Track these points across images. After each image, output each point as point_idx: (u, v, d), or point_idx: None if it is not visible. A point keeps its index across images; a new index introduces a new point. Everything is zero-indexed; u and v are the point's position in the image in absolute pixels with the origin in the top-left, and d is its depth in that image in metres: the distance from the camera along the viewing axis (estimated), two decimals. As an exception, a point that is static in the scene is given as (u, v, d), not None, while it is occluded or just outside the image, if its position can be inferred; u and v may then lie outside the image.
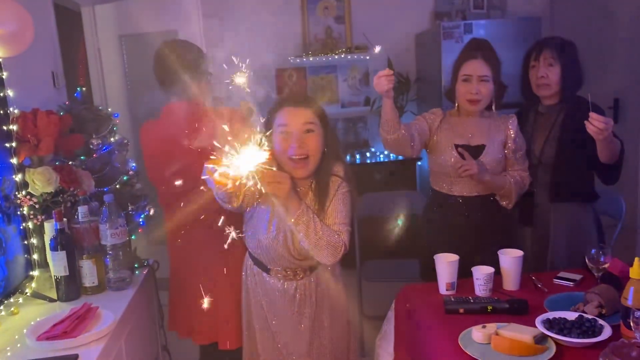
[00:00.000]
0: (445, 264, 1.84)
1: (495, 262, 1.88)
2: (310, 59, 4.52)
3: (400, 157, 4.38)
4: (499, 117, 2.22)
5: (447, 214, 2.19)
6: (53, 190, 1.91)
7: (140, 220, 2.39)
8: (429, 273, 2.18)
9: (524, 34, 4.13)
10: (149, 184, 2.35)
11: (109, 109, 2.51)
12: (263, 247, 1.80)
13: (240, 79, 2.30)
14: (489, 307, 1.67)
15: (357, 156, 4.50)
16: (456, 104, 2.22)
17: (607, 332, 1.44)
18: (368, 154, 4.51)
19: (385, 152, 4.53)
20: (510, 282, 1.86)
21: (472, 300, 1.72)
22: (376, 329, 2.15)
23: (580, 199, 2.25)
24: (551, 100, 2.28)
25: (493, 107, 2.20)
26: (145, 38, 3.62)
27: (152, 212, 2.45)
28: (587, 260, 1.76)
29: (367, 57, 4.54)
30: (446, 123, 2.21)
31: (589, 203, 2.28)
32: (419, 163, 4.37)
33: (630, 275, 1.43)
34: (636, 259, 1.43)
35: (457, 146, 2.14)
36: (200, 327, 2.16)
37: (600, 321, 1.49)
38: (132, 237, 2.32)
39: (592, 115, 1.85)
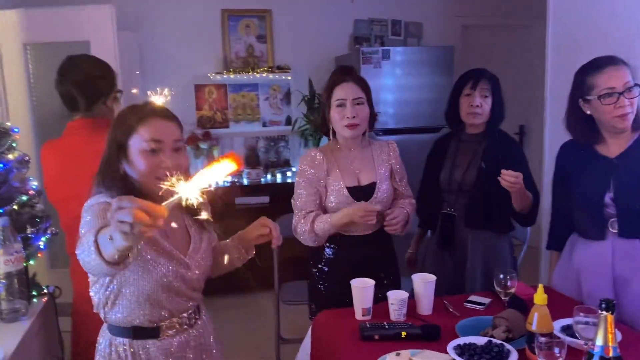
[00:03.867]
0: (361, 290, 1.84)
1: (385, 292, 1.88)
2: (232, 76, 4.46)
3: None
4: (378, 143, 2.20)
5: (342, 250, 2.16)
6: (-63, 213, 1.72)
7: (41, 244, 2.21)
8: (319, 300, 2.22)
9: (439, 61, 4.32)
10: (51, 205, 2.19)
11: (8, 123, 2.33)
12: (153, 297, 1.44)
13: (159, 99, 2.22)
14: (403, 333, 1.68)
15: (278, 175, 4.47)
16: (332, 135, 2.14)
17: (513, 356, 1.48)
18: (289, 174, 4.49)
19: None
20: (424, 306, 1.89)
21: (387, 326, 1.72)
22: (294, 352, 2.09)
23: (496, 228, 2.33)
24: (476, 130, 2.35)
25: (366, 134, 2.16)
26: (54, 48, 3.42)
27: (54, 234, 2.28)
28: (495, 285, 1.83)
29: (289, 78, 4.55)
30: (331, 163, 2.11)
31: (507, 232, 2.37)
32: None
33: (535, 302, 1.49)
34: (540, 285, 1.50)
35: (348, 189, 2.09)
36: None
37: (508, 346, 1.53)
38: (31, 261, 2.15)
39: (504, 172, 1.99)
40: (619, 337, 1.56)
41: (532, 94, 4.78)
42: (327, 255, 2.18)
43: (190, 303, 1.55)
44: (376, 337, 1.68)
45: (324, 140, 4.56)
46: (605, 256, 1.87)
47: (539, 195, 2.27)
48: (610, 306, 1.14)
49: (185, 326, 1.54)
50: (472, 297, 2.00)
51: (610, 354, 1.14)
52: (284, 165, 4.67)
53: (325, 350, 1.83)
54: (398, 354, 1.50)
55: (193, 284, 1.53)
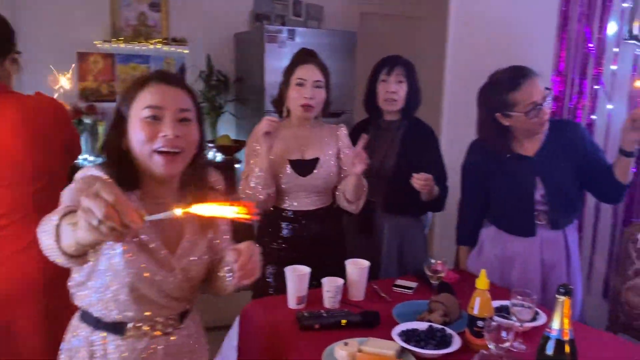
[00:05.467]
0: (297, 278, 1.77)
1: (330, 274, 1.86)
2: (121, 46, 4.09)
3: (218, 159, 4.24)
4: (328, 126, 2.23)
5: (283, 228, 2.14)
6: None
7: None
8: (262, 286, 2.14)
9: (341, 46, 4.32)
10: None
11: None
12: (120, 296, 1.26)
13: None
14: (343, 321, 1.64)
15: (171, 156, 4.20)
16: (286, 113, 2.17)
17: (456, 340, 1.52)
18: (183, 154, 4.24)
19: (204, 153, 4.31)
20: (357, 292, 1.87)
21: (325, 315, 1.68)
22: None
23: (412, 213, 2.39)
24: (393, 116, 2.37)
25: (319, 117, 2.21)
26: None
27: None
28: (425, 269, 1.86)
29: (186, 51, 4.28)
30: (278, 137, 2.08)
31: (419, 216, 2.44)
32: (238, 166, 4.26)
33: (477, 286, 1.53)
34: (482, 270, 1.54)
35: (290, 162, 2.10)
36: None
37: (448, 330, 1.56)
38: None
39: (415, 175, 2.07)
40: (545, 318, 1.67)
41: (424, 85, 4.98)
42: (284, 235, 2.14)
43: (168, 310, 1.34)
44: (316, 326, 1.63)
45: (224, 120, 4.40)
46: (534, 247, 1.99)
47: (447, 189, 2.35)
48: (568, 291, 1.19)
49: (156, 332, 1.33)
50: (399, 282, 2.03)
51: (567, 337, 1.20)
52: (177, 144, 4.40)
53: (258, 341, 1.73)
54: (346, 344, 1.47)
55: (172, 292, 1.31)
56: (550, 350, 1.21)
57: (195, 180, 1.36)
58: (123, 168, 1.26)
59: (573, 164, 1.99)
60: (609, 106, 2.76)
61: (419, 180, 2.07)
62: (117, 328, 1.30)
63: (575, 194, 2.04)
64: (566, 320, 1.20)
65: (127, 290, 1.25)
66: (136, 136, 1.25)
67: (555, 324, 1.21)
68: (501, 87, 1.96)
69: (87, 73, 4.15)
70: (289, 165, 2.08)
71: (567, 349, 1.20)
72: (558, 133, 2.03)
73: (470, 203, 2.22)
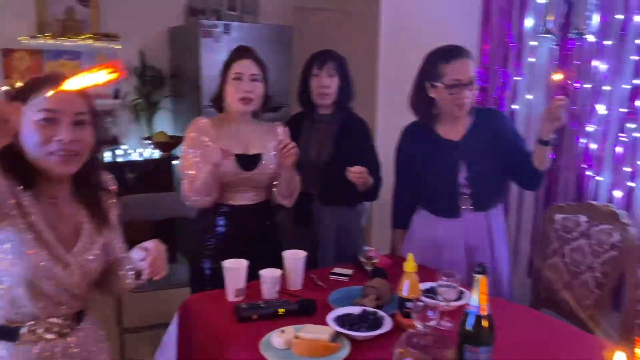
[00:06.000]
0: (235, 271, 1.81)
1: (267, 267, 1.89)
2: (49, 42, 3.95)
3: (155, 156, 4.19)
4: (266, 124, 2.27)
5: (220, 224, 2.17)
6: None
7: None
8: (200, 281, 2.18)
9: (277, 40, 4.35)
10: None
11: None
12: (14, 291, 1.25)
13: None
14: (281, 311, 1.70)
15: (106, 154, 4.11)
16: (226, 110, 2.18)
17: (387, 322, 1.60)
18: (118, 152, 4.16)
19: (139, 150, 4.25)
20: (294, 281, 1.93)
21: (263, 305, 1.72)
22: (141, 340, 1.95)
23: (348, 202, 2.47)
24: (327, 110, 2.44)
25: (259, 114, 2.24)
26: None
27: None
28: (360, 257, 1.94)
29: (119, 47, 4.18)
30: (219, 131, 2.13)
31: (356, 206, 2.52)
32: (175, 162, 4.22)
33: (405, 270, 1.62)
34: (409, 254, 1.63)
35: (236, 155, 2.11)
36: None
37: (380, 312, 1.65)
38: None
39: (349, 168, 2.16)
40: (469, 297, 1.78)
41: (360, 79, 5.07)
42: (219, 230, 2.16)
43: (64, 309, 1.34)
44: (254, 317, 1.67)
45: (160, 116, 4.34)
46: (459, 230, 2.11)
47: (381, 179, 2.44)
48: (484, 269, 1.29)
49: (52, 335, 1.32)
50: (336, 270, 2.10)
51: (485, 313, 1.30)
52: (112, 142, 4.29)
53: (197, 335, 1.76)
54: (283, 331, 1.52)
55: (70, 287, 1.32)
56: (469, 325, 1.30)
57: (88, 181, 1.39)
58: (15, 167, 1.25)
59: (496, 149, 2.12)
60: (529, 96, 2.93)
61: (354, 173, 2.15)
62: (9, 333, 1.28)
63: (498, 178, 2.18)
64: (483, 297, 1.29)
65: (25, 285, 1.25)
66: (31, 138, 1.24)
67: (474, 301, 1.30)
68: (436, 56, 2.10)
69: (12, 71, 3.99)
70: (234, 159, 2.10)
71: (484, 323, 1.30)
72: (483, 120, 2.16)
73: (403, 186, 2.33)
